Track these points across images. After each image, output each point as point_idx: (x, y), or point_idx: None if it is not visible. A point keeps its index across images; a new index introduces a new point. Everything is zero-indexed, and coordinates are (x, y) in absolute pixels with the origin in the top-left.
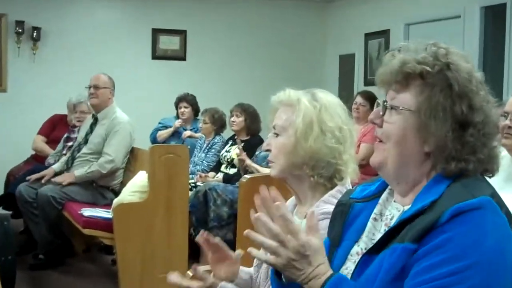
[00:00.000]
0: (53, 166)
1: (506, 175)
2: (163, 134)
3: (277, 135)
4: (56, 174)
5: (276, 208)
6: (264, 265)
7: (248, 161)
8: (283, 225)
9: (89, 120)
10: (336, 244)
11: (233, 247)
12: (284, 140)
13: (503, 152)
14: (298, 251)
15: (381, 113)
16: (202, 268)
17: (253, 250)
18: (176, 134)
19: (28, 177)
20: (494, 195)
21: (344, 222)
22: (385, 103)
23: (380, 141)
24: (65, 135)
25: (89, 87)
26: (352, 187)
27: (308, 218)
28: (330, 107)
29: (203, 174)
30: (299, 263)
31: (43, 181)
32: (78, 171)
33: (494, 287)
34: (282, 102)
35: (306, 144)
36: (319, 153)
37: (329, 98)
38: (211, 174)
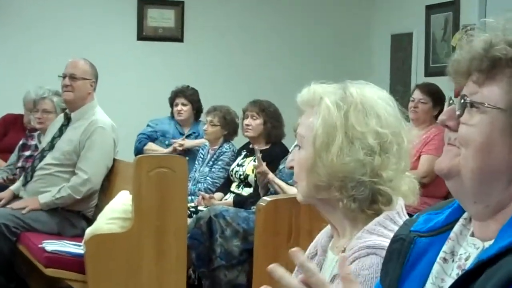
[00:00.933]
0: (12, 187)
1: None
2: (153, 149)
3: (299, 147)
4: (15, 197)
5: (293, 255)
6: None
7: (271, 176)
8: (305, 277)
9: (58, 120)
10: None
11: None
12: (304, 154)
13: None
14: None
15: (457, 112)
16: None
17: None
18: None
19: None
20: None
21: (404, 264)
22: (464, 99)
23: (452, 144)
24: (21, 142)
25: (63, 77)
26: (410, 213)
27: (340, 265)
28: (365, 105)
29: (206, 196)
30: None
31: None
32: (44, 196)
33: None
34: (305, 102)
35: (327, 157)
36: (345, 169)
37: (367, 93)
38: (218, 195)
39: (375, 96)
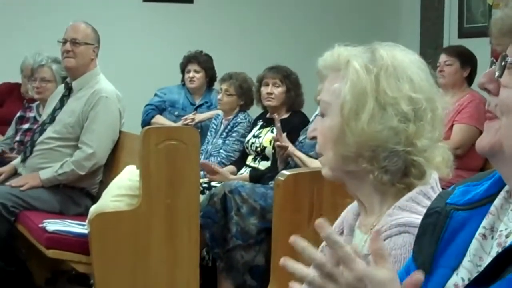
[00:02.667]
0: (14, 162)
1: None
2: (161, 122)
3: (323, 115)
4: (15, 173)
5: (319, 227)
6: None
7: (291, 148)
8: (332, 251)
9: (59, 90)
10: (427, 271)
11: (264, 276)
12: (330, 123)
13: None
14: (354, 287)
15: (497, 74)
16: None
17: (295, 286)
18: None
19: None
20: None
21: (439, 239)
22: (505, 60)
23: (492, 118)
24: (18, 114)
25: (64, 42)
26: (444, 188)
27: (372, 240)
28: (396, 68)
29: (218, 169)
30: None
31: None
32: (45, 172)
33: None
34: (328, 66)
35: (357, 125)
36: (376, 138)
37: (398, 55)
38: (229, 168)
39: (406, 59)
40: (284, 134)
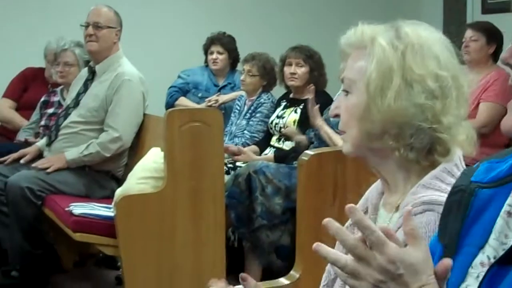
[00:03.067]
0: (38, 143)
1: None
2: (185, 104)
3: (347, 93)
4: (40, 155)
5: (349, 211)
6: (339, 284)
7: (320, 122)
8: (364, 235)
9: (82, 74)
10: (452, 250)
11: (290, 256)
12: (355, 100)
13: None
14: (387, 270)
15: None
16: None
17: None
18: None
19: None
20: None
21: (465, 217)
22: None
23: None
24: (42, 99)
25: (86, 26)
26: (468, 165)
27: (404, 220)
28: (422, 46)
29: (242, 149)
30: (389, 286)
31: (22, 161)
32: (70, 153)
33: None
34: (352, 44)
35: (383, 103)
36: (403, 115)
37: (422, 33)
38: (252, 148)
39: (430, 36)
40: (317, 106)
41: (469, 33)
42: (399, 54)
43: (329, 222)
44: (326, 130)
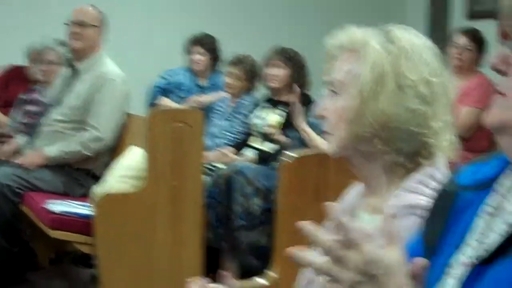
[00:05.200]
0: (18, 140)
1: None
2: (167, 104)
3: (335, 94)
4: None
5: (328, 209)
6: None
7: (302, 124)
8: (340, 234)
9: (65, 73)
10: (433, 251)
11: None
12: (345, 102)
13: None
14: (364, 271)
15: (507, 54)
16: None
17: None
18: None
19: None
20: None
21: (446, 220)
22: None
23: (502, 94)
24: (22, 96)
25: (70, 24)
26: (450, 168)
27: (385, 222)
28: (413, 51)
29: (226, 151)
30: (366, 286)
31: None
32: (51, 150)
33: None
34: (342, 46)
35: (376, 106)
36: (395, 119)
37: (413, 39)
38: (231, 149)
39: (420, 41)
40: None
41: (463, 41)
42: (392, 58)
43: (305, 224)
44: (307, 131)
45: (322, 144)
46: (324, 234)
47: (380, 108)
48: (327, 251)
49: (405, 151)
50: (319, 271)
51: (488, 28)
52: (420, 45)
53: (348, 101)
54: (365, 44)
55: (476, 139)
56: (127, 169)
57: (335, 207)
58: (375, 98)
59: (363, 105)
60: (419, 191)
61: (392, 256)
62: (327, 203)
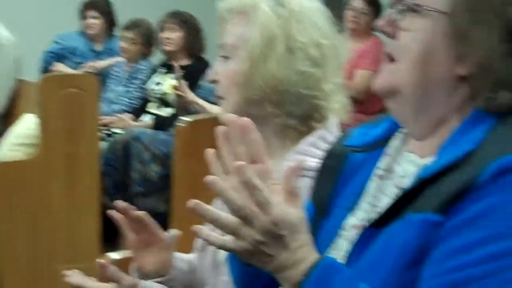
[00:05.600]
0: None
1: None
2: (61, 70)
3: (226, 58)
4: None
5: (238, 170)
6: (211, 249)
7: (191, 96)
8: (249, 194)
9: None
10: (324, 213)
11: (166, 224)
12: (236, 66)
13: None
14: (268, 230)
15: (395, 17)
16: (115, 259)
17: (201, 229)
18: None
19: None
20: None
21: (336, 181)
22: (404, 2)
23: (390, 60)
24: None
25: None
26: (343, 130)
27: (286, 178)
28: (304, 14)
29: (123, 117)
30: (270, 246)
31: None
32: None
33: None
34: (232, 9)
35: (266, 69)
36: (285, 82)
37: (304, 2)
38: (129, 115)
39: (311, 3)
40: (184, 83)
41: (360, 4)
42: (283, 21)
43: (214, 179)
44: (199, 102)
45: (213, 110)
46: (234, 192)
47: (270, 71)
48: (238, 211)
49: (296, 114)
50: (225, 228)
51: None
52: (311, 8)
53: (239, 64)
54: (255, 7)
55: (371, 102)
56: (20, 137)
57: (246, 168)
58: (265, 61)
59: (253, 68)
60: (310, 154)
61: (296, 214)
62: (237, 164)
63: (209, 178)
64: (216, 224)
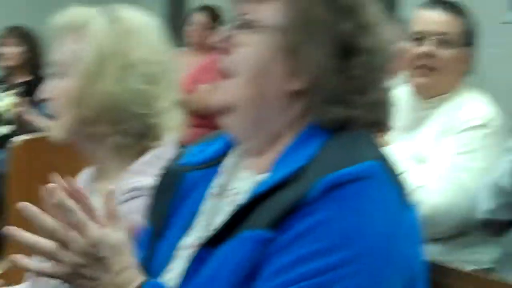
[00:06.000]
0: None
1: (408, 123)
2: None
3: (58, 76)
4: None
5: (49, 192)
6: (44, 279)
7: (29, 116)
8: (64, 216)
9: None
10: (160, 233)
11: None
12: (68, 84)
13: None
14: (87, 252)
15: (230, 33)
16: None
17: (19, 258)
18: None
19: None
20: (383, 158)
21: (172, 200)
22: (239, 19)
23: (225, 76)
24: None
25: None
26: (183, 147)
27: (106, 199)
28: (137, 31)
29: None
30: (91, 269)
31: None
32: None
33: (382, 285)
34: (65, 27)
35: (99, 87)
36: (119, 100)
37: (137, 19)
38: None
39: (144, 22)
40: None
41: (199, 17)
42: (115, 38)
43: (26, 206)
44: (38, 122)
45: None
46: (45, 217)
47: (104, 88)
48: (50, 234)
49: (131, 132)
50: (43, 254)
51: (226, 5)
52: (146, 25)
53: (72, 82)
54: (87, 24)
55: (214, 116)
56: None
57: (58, 190)
58: (98, 79)
59: (86, 86)
60: (146, 173)
61: (117, 236)
62: (50, 186)
63: (20, 204)
64: (35, 250)
